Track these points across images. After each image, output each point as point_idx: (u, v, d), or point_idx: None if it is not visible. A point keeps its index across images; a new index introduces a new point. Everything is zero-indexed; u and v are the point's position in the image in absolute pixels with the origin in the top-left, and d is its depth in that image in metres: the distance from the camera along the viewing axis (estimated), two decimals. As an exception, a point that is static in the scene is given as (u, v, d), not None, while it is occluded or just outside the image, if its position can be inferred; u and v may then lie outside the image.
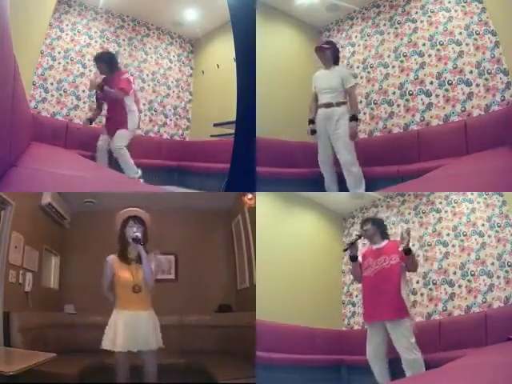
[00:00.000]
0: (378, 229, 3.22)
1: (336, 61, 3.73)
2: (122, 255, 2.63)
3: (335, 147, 3.68)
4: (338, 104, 3.61)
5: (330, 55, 3.68)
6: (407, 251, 2.96)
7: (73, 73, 4.90)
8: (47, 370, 2.58)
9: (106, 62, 4.00)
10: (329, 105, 3.64)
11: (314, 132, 3.72)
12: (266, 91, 3.37)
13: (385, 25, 4.54)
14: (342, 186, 3.77)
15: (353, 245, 3.16)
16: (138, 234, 2.56)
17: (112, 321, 2.57)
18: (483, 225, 3.79)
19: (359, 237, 3.21)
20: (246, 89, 3.05)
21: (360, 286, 4.49)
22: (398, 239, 3.10)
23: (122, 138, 3.95)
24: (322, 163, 3.81)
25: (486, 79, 3.77)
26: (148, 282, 2.55)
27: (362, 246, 3.54)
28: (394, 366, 3.06)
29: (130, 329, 2.51)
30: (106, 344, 2.52)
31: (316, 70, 3.88)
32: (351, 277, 4.64)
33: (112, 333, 2.52)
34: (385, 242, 3.19)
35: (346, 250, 3.25)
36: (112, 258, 2.64)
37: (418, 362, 2.90)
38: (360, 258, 3.23)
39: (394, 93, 4.39)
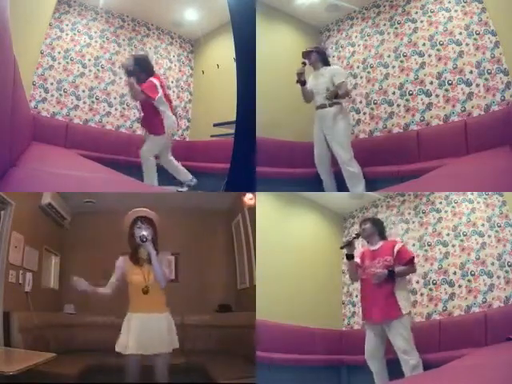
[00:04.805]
0: (377, 229, 3.21)
1: (325, 62, 3.78)
2: (133, 257, 2.58)
3: (332, 147, 3.72)
4: (331, 105, 3.65)
5: (315, 58, 3.74)
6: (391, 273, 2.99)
7: (73, 73, 4.91)
8: (47, 370, 2.58)
9: (138, 64, 3.84)
10: (322, 106, 3.69)
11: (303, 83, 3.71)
12: (266, 91, 3.37)
13: (385, 25, 4.54)
14: (342, 186, 3.77)
15: (350, 243, 3.16)
16: (144, 233, 2.51)
17: (125, 324, 2.53)
18: (483, 225, 3.79)
19: (357, 236, 3.20)
20: (246, 89, 3.04)
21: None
22: (395, 239, 3.11)
23: (151, 145, 3.88)
24: (318, 164, 3.86)
25: (486, 79, 3.76)
26: (160, 282, 2.48)
27: (361, 247, 3.54)
28: (393, 366, 3.06)
29: (142, 331, 2.47)
30: (119, 347, 2.48)
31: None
32: (351, 277, 4.66)
33: (125, 336, 2.49)
34: (381, 243, 3.17)
35: (342, 248, 3.26)
36: (123, 260, 2.60)
37: (416, 366, 2.90)
38: (358, 260, 3.21)
39: (393, 93, 4.39)
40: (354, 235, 3.24)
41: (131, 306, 2.55)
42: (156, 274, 2.49)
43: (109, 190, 3.22)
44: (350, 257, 3.17)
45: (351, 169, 3.65)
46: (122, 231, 2.64)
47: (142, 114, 4.04)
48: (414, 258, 3.14)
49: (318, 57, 3.76)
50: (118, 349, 2.48)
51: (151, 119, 3.88)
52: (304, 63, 3.71)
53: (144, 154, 3.89)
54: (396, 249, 3.09)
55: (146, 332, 2.47)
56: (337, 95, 3.60)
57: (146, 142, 3.93)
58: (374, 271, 3.04)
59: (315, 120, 3.80)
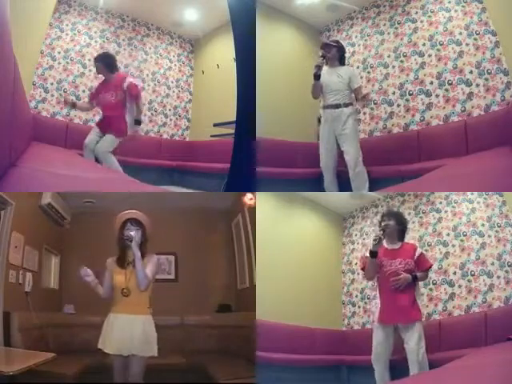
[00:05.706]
0: (399, 228, 3.08)
1: (341, 61, 3.66)
2: (119, 259, 2.60)
3: (342, 147, 3.62)
4: (346, 105, 3.55)
5: (335, 53, 3.59)
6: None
7: (73, 73, 4.91)
8: (47, 370, 2.58)
9: (104, 63, 3.80)
10: (337, 106, 3.56)
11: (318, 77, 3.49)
12: (266, 91, 3.37)
13: (385, 25, 4.54)
14: (342, 186, 3.77)
15: (380, 240, 2.96)
16: (132, 233, 2.52)
17: (105, 323, 2.56)
18: (483, 225, 3.79)
19: (384, 231, 3.01)
20: (246, 89, 3.05)
21: (359, 286, 4.56)
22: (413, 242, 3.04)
23: (109, 143, 3.73)
24: (325, 164, 3.74)
25: (486, 79, 3.76)
26: (140, 283, 2.48)
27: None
28: (395, 367, 3.06)
29: (119, 332, 2.49)
30: (100, 344, 2.53)
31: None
32: (351, 277, 4.66)
33: (103, 335, 2.53)
34: (400, 243, 3.08)
35: (376, 244, 2.94)
36: (110, 261, 2.62)
37: (423, 364, 2.89)
38: None
39: (393, 93, 4.39)
40: (380, 232, 3.00)
41: (113, 306, 2.56)
42: (137, 277, 2.48)
43: (109, 190, 3.22)
44: (374, 254, 2.97)
45: (358, 169, 3.58)
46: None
47: (104, 114, 3.88)
48: (431, 266, 3.14)
49: (337, 53, 3.60)
50: (99, 346, 2.52)
51: (117, 120, 3.76)
52: (323, 56, 3.49)
53: (102, 152, 3.72)
54: (417, 253, 3.04)
55: (122, 333, 2.48)
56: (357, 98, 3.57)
57: (104, 139, 3.74)
58: (397, 272, 2.96)
59: (324, 120, 3.64)
